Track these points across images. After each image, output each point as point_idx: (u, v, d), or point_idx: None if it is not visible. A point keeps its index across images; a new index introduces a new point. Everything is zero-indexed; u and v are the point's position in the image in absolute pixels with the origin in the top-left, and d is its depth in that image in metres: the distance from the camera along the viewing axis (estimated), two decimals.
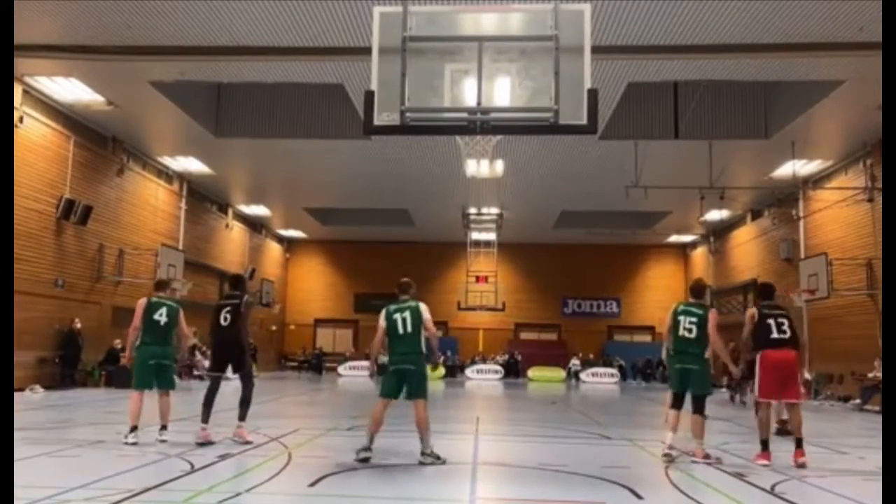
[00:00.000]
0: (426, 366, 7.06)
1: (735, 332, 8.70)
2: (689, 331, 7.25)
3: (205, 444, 7.63)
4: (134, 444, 7.44)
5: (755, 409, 7.74)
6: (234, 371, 8.22)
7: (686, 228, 30.66)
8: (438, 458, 6.90)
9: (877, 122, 14.64)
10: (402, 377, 6.93)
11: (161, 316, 7.94)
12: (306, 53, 13.76)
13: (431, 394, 7.26)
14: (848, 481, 6.73)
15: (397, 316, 6.99)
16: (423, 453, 6.90)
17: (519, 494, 5.83)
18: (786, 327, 7.33)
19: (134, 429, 7.66)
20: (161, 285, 8.53)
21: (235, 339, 8.03)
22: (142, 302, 8.08)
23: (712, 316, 7.32)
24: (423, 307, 7.06)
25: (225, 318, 8.03)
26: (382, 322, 7.07)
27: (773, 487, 6.02)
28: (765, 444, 7.29)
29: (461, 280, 30.56)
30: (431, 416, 7.12)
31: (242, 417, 8.02)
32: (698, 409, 7.22)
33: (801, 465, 7.03)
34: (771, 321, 7.37)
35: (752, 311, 7.63)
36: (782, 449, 7.63)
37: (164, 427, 7.88)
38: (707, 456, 7.17)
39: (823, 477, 6.70)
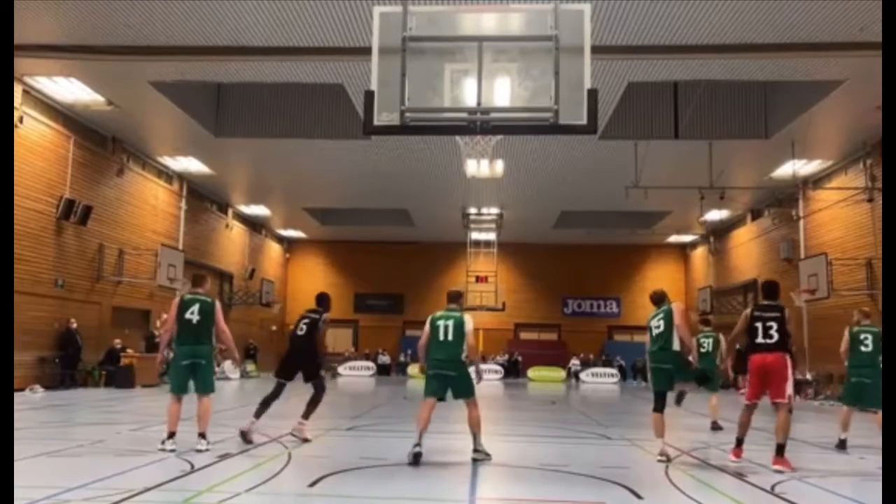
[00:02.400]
0: (468, 369, 7.31)
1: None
2: (658, 327, 7.69)
3: (244, 433, 7.90)
4: (172, 451, 6.96)
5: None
6: (306, 380, 8.51)
7: (686, 228, 30.66)
8: (488, 455, 7.25)
9: (877, 122, 14.64)
10: (444, 381, 7.25)
11: (193, 314, 7.43)
12: (306, 53, 13.78)
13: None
14: (848, 481, 6.74)
15: (440, 323, 7.31)
16: (475, 450, 7.25)
17: (519, 494, 5.82)
18: (773, 331, 7.33)
19: (171, 435, 7.15)
20: (198, 281, 7.98)
21: (305, 349, 8.42)
22: (176, 301, 7.67)
23: (676, 307, 7.63)
24: (467, 319, 7.33)
25: (301, 329, 8.48)
26: (427, 328, 7.38)
27: (773, 487, 6.02)
28: (738, 442, 7.46)
29: (461, 280, 30.50)
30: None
31: (306, 416, 8.36)
32: (677, 400, 7.48)
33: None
34: (759, 324, 7.39)
35: (746, 311, 7.74)
36: (791, 452, 7.60)
37: (201, 435, 7.23)
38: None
39: (823, 477, 6.70)
